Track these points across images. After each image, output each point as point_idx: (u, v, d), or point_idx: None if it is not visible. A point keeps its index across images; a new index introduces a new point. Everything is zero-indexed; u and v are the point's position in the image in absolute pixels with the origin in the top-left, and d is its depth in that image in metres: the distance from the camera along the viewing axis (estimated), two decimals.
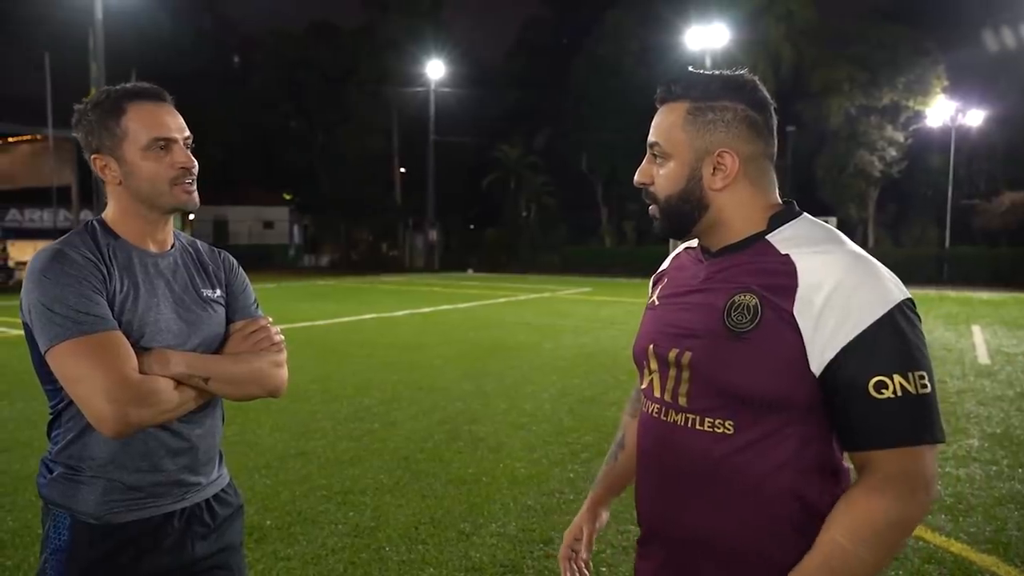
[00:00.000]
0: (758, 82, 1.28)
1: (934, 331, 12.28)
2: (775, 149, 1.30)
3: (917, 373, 1.11)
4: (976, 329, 12.64)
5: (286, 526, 3.89)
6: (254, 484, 4.50)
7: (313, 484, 4.52)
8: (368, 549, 3.62)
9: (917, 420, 1.11)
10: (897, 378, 1.10)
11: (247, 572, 1.79)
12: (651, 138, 1.31)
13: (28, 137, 28.53)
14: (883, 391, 1.10)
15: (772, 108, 1.28)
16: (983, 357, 9.64)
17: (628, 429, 1.62)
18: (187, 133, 1.58)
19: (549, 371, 8.36)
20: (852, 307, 1.12)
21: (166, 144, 1.53)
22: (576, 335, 11.44)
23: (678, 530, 1.30)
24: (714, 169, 1.26)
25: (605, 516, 1.67)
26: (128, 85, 1.57)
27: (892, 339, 1.12)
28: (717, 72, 1.28)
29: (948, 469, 4.85)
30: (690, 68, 1.32)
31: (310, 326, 12.70)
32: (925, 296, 19.54)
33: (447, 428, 5.85)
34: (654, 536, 1.37)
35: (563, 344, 10.36)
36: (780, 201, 1.30)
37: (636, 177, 1.34)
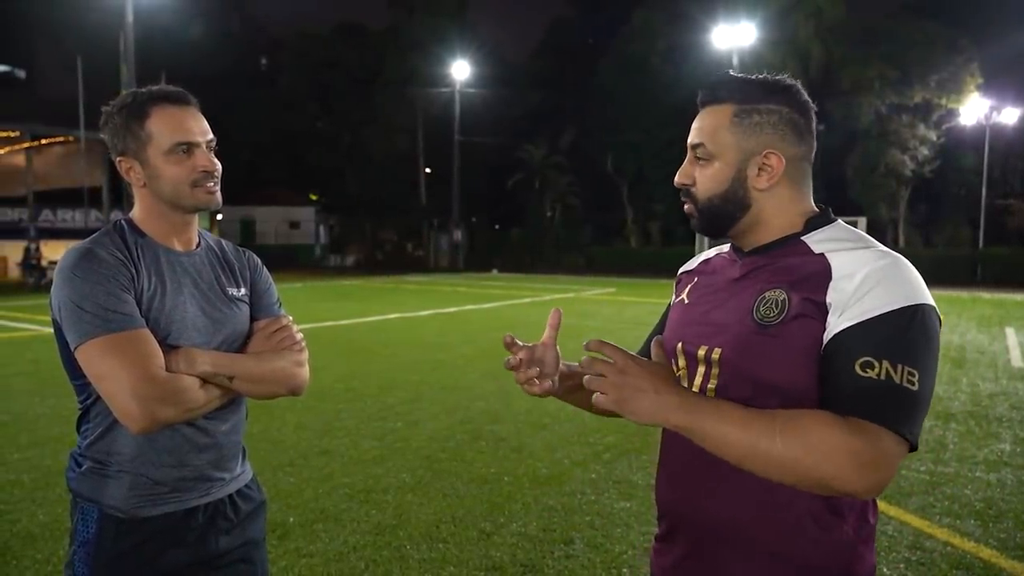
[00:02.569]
0: (800, 86, 1.30)
1: (967, 333, 12.06)
2: (814, 153, 1.33)
3: (908, 367, 1.11)
4: (1010, 332, 12.40)
5: (309, 523, 3.91)
6: (278, 481, 4.54)
7: (336, 482, 4.55)
8: (389, 547, 3.63)
9: (890, 406, 1.09)
10: (885, 363, 1.11)
11: (269, 567, 1.80)
12: (694, 139, 1.32)
13: (61, 139, 29.08)
14: (868, 370, 1.11)
15: (813, 112, 1.32)
16: (1016, 360, 9.45)
17: None
18: (210, 136, 1.60)
19: None
20: (872, 296, 1.15)
21: (188, 148, 1.56)
22: (600, 335, 11.30)
23: (701, 519, 1.30)
24: (759, 169, 1.28)
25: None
26: (153, 88, 1.59)
27: (896, 331, 1.13)
28: (760, 76, 1.31)
29: (979, 474, 4.76)
30: (731, 72, 1.33)
31: (335, 325, 12.79)
32: (958, 298, 19.17)
33: (469, 428, 5.86)
34: (676, 527, 1.37)
35: None
36: (815, 206, 1.33)
37: (677, 178, 1.35)
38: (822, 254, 1.23)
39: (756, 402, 1.22)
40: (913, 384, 1.11)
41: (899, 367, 1.11)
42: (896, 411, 1.10)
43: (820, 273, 1.21)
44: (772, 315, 1.22)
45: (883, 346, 1.12)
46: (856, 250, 1.21)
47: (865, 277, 1.16)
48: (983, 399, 7.01)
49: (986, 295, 20.68)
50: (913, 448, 1.12)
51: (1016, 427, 5.99)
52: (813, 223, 1.29)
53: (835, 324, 1.16)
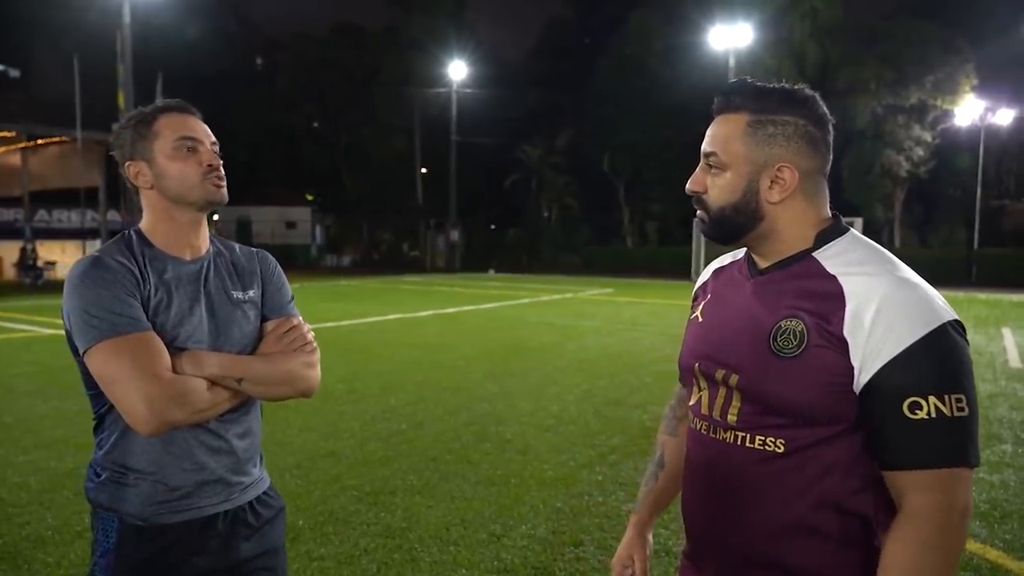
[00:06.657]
0: (818, 97, 1.27)
1: None
2: (829, 165, 1.30)
3: (955, 396, 1.11)
4: (1007, 332, 12.46)
5: (319, 526, 3.93)
6: (285, 484, 4.54)
7: (344, 484, 4.56)
8: (400, 550, 3.65)
9: (950, 443, 1.11)
10: (933, 399, 1.10)
11: (288, 574, 1.81)
12: (707, 148, 1.29)
13: (57, 139, 28.91)
14: (917, 412, 1.11)
15: (831, 124, 1.29)
16: (1014, 360, 9.49)
17: (667, 447, 1.60)
18: (213, 139, 1.66)
19: (573, 372, 8.36)
20: (896, 327, 1.13)
21: (193, 145, 1.60)
22: (599, 336, 11.43)
23: (732, 547, 1.30)
24: (772, 182, 1.26)
25: (651, 539, 1.61)
26: (160, 103, 1.66)
27: (932, 360, 1.11)
28: (777, 85, 1.28)
29: (982, 475, 4.78)
30: (748, 79, 1.30)
31: (335, 326, 12.79)
32: (953, 298, 19.23)
33: (474, 429, 5.87)
34: (705, 552, 1.37)
35: (586, 345, 10.35)
36: (829, 216, 1.31)
37: (689, 186, 1.32)
38: (835, 277, 1.21)
39: (775, 428, 1.23)
40: (964, 410, 1.12)
41: (946, 398, 1.11)
42: (958, 446, 1.12)
43: (834, 300, 1.18)
44: (790, 347, 1.20)
45: (923, 381, 1.11)
46: (868, 275, 1.18)
47: (879, 308, 1.14)
48: (983, 400, 7.03)
49: (982, 296, 20.78)
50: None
51: (1017, 428, 6.03)
52: (825, 236, 1.27)
53: (865, 365, 1.14)
